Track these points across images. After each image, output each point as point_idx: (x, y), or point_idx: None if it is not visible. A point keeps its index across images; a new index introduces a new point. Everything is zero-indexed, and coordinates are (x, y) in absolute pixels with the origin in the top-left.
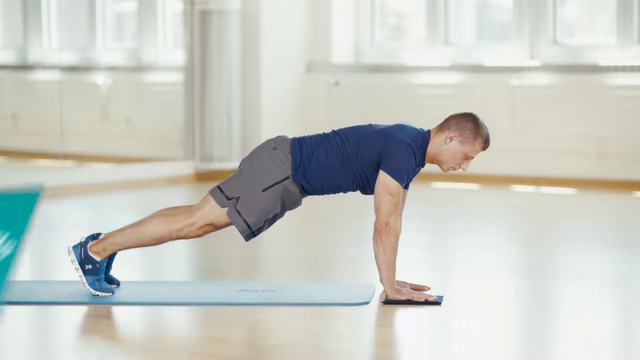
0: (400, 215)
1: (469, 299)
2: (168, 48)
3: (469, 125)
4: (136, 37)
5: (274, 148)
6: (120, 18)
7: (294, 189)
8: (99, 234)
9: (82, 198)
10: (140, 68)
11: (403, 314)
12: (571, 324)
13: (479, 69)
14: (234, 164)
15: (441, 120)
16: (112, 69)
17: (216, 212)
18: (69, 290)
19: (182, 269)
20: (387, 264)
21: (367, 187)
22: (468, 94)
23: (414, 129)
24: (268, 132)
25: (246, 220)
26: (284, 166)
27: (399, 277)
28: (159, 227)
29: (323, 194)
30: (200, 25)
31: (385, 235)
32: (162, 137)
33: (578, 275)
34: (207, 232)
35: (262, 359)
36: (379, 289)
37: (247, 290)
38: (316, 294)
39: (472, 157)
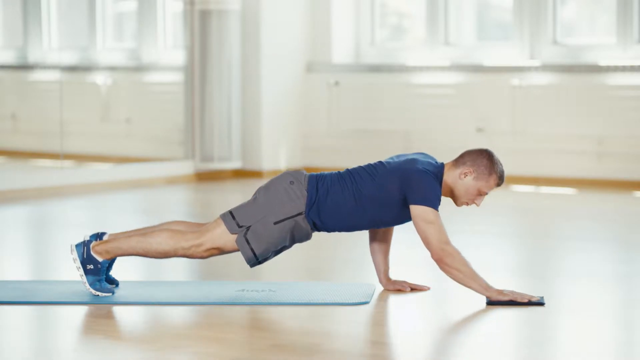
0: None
1: (469, 299)
2: (168, 48)
3: (484, 162)
4: (136, 37)
5: (291, 182)
6: (120, 18)
7: (305, 225)
8: (103, 234)
9: (82, 198)
10: (140, 68)
11: (402, 314)
12: (571, 323)
13: (479, 69)
14: (233, 164)
15: (442, 120)
16: (112, 69)
17: (225, 237)
18: (69, 290)
19: (182, 269)
20: (471, 277)
21: (385, 224)
22: (468, 94)
23: (430, 162)
24: (268, 132)
25: (254, 249)
26: (299, 202)
27: (398, 276)
28: (165, 242)
29: (334, 231)
30: (200, 25)
31: (449, 259)
32: (162, 137)
33: (578, 275)
34: (212, 255)
35: (262, 359)
36: (378, 289)
37: (247, 290)
38: (316, 294)
39: (486, 193)
